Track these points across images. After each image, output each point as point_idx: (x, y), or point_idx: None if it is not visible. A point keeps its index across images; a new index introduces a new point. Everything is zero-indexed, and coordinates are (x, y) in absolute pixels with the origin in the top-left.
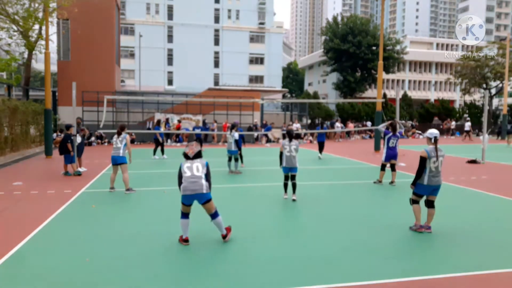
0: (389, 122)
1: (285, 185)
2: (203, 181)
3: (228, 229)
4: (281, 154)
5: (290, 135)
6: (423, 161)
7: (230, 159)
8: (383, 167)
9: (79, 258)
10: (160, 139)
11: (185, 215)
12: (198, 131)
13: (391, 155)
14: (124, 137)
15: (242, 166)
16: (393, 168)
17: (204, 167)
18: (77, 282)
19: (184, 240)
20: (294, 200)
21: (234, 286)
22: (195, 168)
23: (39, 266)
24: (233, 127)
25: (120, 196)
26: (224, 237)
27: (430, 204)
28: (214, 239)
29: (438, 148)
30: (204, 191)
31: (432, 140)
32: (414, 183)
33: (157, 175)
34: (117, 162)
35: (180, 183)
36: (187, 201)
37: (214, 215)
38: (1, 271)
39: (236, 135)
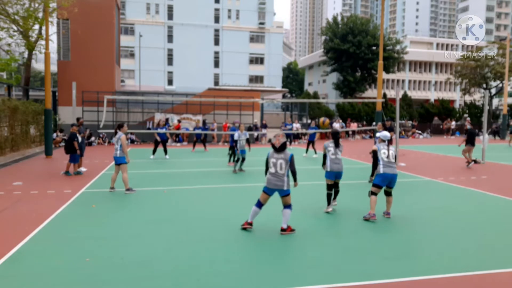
0: (390, 123)
1: (329, 196)
2: (285, 178)
3: (289, 229)
4: (324, 156)
5: (337, 138)
6: (375, 153)
7: (238, 159)
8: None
9: (79, 258)
10: (159, 138)
11: (260, 204)
12: (198, 131)
13: None
14: (118, 137)
15: (228, 164)
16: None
17: (287, 163)
18: (77, 282)
19: (249, 224)
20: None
21: (234, 285)
22: (279, 166)
23: (39, 266)
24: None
25: (120, 196)
26: (282, 230)
27: (388, 193)
28: (214, 239)
29: (388, 145)
30: (285, 188)
31: (386, 143)
32: (372, 174)
33: (157, 175)
34: (116, 162)
35: (266, 168)
36: (269, 191)
37: (288, 207)
38: (1, 271)
39: (236, 136)
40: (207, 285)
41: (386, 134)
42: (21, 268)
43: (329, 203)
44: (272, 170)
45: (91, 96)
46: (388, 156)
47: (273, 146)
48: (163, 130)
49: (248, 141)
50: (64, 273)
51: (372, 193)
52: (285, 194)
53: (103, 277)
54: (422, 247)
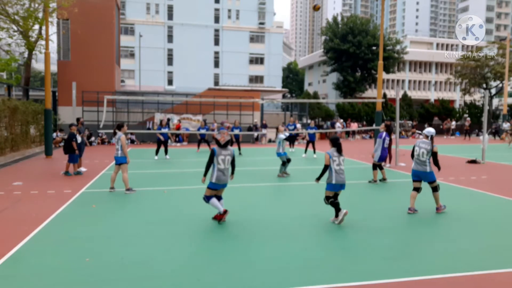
0: (390, 123)
1: (335, 204)
2: (229, 173)
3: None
4: (326, 168)
5: (338, 144)
6: (413, 149)
7: (283, 163)
8: (377, 167)
9: (79, 258)
10: (162, 138)
11: (212, 197)
12: (203, 131)
13: (385, 156)
14: (118, 137)
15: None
16: (380, 167)
17: (232, 157)
18: (77, 282)
19: (224, 212)
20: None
21: (234, 286)
22: (227, 161)
23: (39, 266)
24: (277, 128)
25: (120, 196)
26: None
27: (433, 189)
28: (214, 239)
29: (428, 142)
30: (228, 181)
31: (429, 138)
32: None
33: (157, 175)
34: (117, 162)
35: (209, 165)
36: (217, 186)
37: (221, 197)
38: (1, 271)
39: (282, 136)
40: (207, 285)
41: (430, 129)
42: (21, 268)
43: (338, 212)
44: (221, 166)
45: (91, 96)
46: (418, 154)
47: (218, 142)
48: (166, 130)
49: (289, 139)
50: (64, 273)
51: (414, 189)
52: (225, 186)
53: (103, 277)
54: (422, 247)
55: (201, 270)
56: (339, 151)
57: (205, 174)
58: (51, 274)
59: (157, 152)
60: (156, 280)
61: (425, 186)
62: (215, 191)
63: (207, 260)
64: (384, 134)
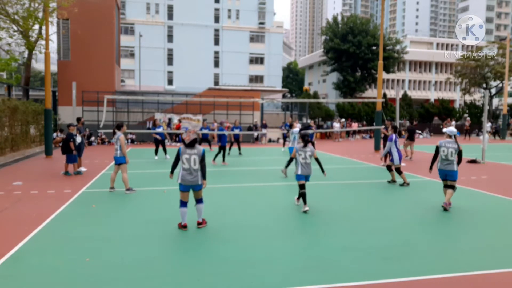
0: (390, 123)
1: (303, 195)
2: (199, 173)
3: (204, 222)
4: (291, 159)
5: (305, 140)
6: (436, 149)
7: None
8: (398, 170)
9: (79, 258)
10: (159, 137)
11: (184, 203)
12: (205, 131)
13: (401, 157)
14: (117, 137)
15: (224, 164)
16: (391, 169)
17: (199, 157)
18: (77, 282)
19: (183, 226)
20: (305, 211)
21: (234, 286)
22: (193, 161)
23: (39, 266)
24: (291, 125)
25: (120, 196)
26: (199, 223)
27: (449, 186)
28: (214, 239)
29: (453, 142)
30: (199, 182)
31: (453, 137)
32: (431, 167)
33: (157, 175)
34: (116, 162)
35: (175, 165)
36: (185, 188)
37: (200, 201)
38: (1, 271)
39: (297, 129)
40: (207, 285)
41: (452, 129)
42: (21, 268)
43: (305, 202)
44: (185, 166)
45: (91, 96)
46: (446, 155)
47: (183, 142)
48: (160, 130)
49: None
50: (64, 273)
51: (444, 186)
52: (199, 188)
53: (103, 277)
54: (422, 247)
55: (201, 270)
56: (305, 145)
57: (171, 172)
58: (51, 274)
59: (156, 152)
60: (156, 280)
61: (429, 186)
62: (185, 193)
63: (207, 260)
64: (394, 136)
